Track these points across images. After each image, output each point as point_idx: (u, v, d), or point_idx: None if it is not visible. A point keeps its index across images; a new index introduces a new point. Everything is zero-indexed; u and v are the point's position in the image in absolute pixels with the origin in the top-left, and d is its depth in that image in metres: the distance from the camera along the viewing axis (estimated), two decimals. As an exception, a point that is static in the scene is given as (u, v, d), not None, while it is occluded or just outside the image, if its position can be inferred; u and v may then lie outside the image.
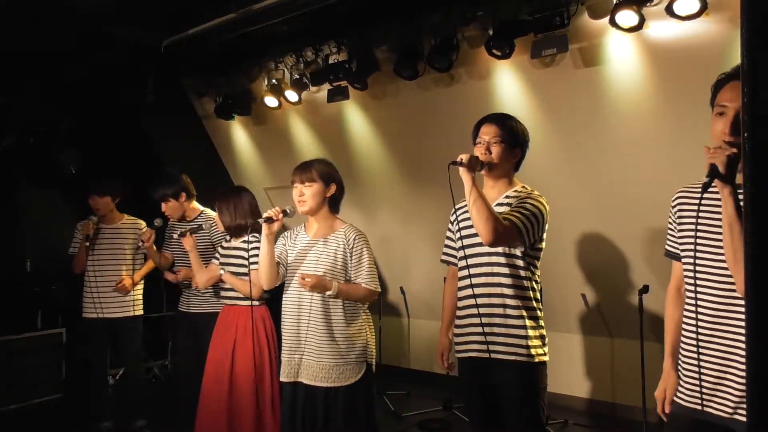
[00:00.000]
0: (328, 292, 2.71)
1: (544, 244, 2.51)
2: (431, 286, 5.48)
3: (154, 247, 4.02)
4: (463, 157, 2.33)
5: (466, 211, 2.42)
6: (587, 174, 4.30)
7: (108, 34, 4.65)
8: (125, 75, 5.38)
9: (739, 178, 1.70)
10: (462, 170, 2.33)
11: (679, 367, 1.88)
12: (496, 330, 2.42)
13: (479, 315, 2.42)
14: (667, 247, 2.04)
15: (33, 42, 4.66)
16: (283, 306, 2.89)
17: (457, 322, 2.59)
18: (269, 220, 2.72)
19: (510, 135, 2.50)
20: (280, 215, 2.74)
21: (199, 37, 4.71)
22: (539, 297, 2.51)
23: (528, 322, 2.41)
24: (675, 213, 1.96)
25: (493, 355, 2.41)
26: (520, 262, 2.43)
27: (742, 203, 1.54)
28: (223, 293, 3.48)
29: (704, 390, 1.75)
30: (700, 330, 1.75)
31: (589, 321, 4.82)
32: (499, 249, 2.43)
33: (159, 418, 4.35)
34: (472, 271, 2.48)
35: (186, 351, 3.97)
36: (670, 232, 2.02)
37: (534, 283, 2.48)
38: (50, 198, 5.79)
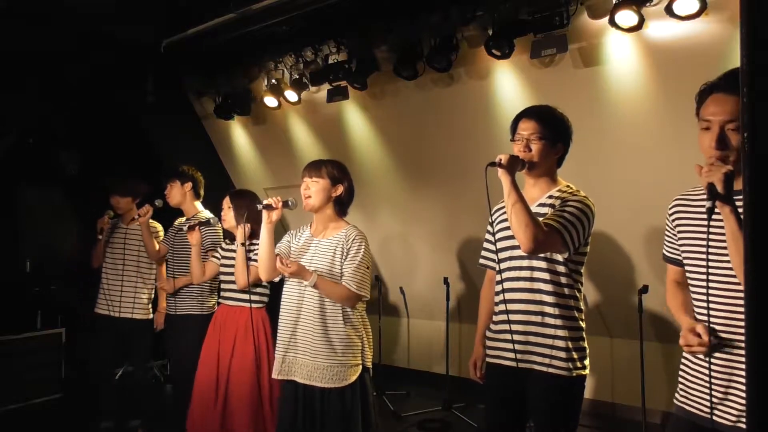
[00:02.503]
0: (305, 282, 2.69)
1: (588, 248, 2.37)
2: (431, 287, 5.48)
3: (149, 224, 4.04)
4: (502, 158, 2.16)
5: (504, 212, 2.29)
6: (586, 174, 4.28)
7: (108, 34, 4.65)
8: (125, 75, 5.38)
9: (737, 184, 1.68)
10: (501, 172, 2.16)
11: (684, 373, 1.86)
12: (532, 339, 2.27)
13: (513, 322, 2.30)
14: (665, 252, 2.01)
15: (33, 42, 4.66)
16: (281, 303, 2.89)
17: (492, 326, 2.45)
18: (269, 207, 2.74)
19: (551, 130, 2.33)
20: (280, 204, 2.76)
21: (198, 37, 4.70)
22: (582, 306, 2.36)
23: (568, 333, 2.26)
24: (672, 221, 1.93)
25: (528, 366, 2.28)
26: (562, 269, 2.28)
27: (741, 208, 1.53)
28: (223, 293, 3.48)
29: (713, 399, 1.72)
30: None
31: (589, 321, 4.76)
32: (540, 254, 2.27)
33: (154, 418, 4.35)
34: (511, 275, 2.34)
35: (175, 352, 4.00)
36: (668, 237, 1.98)
37: (576, 291, 2.32)
38: (50, 198, 5.79)
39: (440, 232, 5.35)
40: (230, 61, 5.46)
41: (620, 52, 3.74)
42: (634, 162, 4.03)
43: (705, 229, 1.72)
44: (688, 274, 1.86)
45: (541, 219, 2.20)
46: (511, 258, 2.35)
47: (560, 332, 2.26)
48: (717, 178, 1.56)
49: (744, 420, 1.62)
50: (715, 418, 1.72)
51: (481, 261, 2.63)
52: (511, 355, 2.31)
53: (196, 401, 3.34)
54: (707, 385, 1.75)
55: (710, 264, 1.71)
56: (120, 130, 5.88)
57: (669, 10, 3.29)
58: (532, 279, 2.31)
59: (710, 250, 1.71)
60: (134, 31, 4.75)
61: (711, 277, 1.72)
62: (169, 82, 5.80)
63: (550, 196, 2.35)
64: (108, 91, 5.54)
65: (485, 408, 2.53)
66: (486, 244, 2.61)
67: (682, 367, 1.88)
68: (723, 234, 1.66)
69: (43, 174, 5.71)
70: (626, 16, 3.42)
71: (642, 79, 3.76)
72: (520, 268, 2.33)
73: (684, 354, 1.87)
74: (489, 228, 2.57)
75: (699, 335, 1.68)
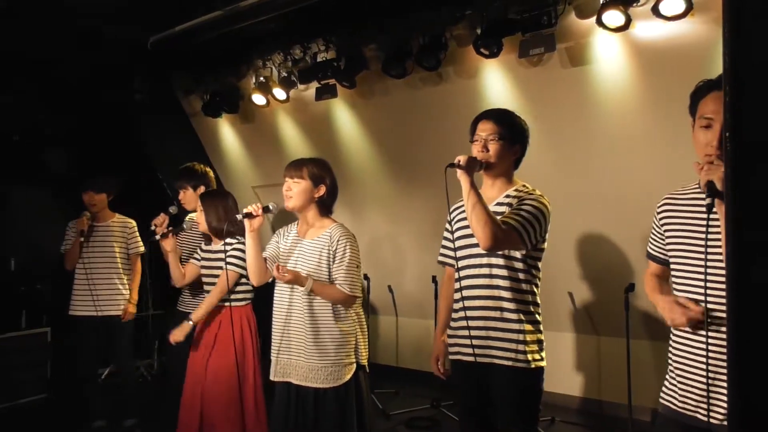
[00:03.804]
0: (301, 289, 2.70)
1: (546, 245, 2.44)
2: (420, 285, 5.49)
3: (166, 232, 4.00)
4: (461, 159, 2.25)
5: (462, 212, 2.36)
6: (574, 173, 4.32)
7: (96, 32, 4.61)
8: (113, 73, 5.34)
9: None
10: (460, 173, 2.24)
11: (671, 372, 1.86)
12: (492, 334, 2.35)
13: (472, 318, 2.37)
14: (650, 250, 2.01)
15: (20, 40, 4.61)
16: (273, 305, 2.88)
17: (452, 324, 2.53)
18: (249, 216, 2.71)
19: (508, 131, 2.42)
20: (260, 211, 2.72)
21: (186, 35, 4.68)
22: (539, 301, 2.44)
23: (526, 327, 2.35)
24: (660, 220, 1.93)
25: (488, 360, 2.36)
26: (520, 265, 2.37)
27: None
28: (205, 295, 3.44)
29: (698, 397, 1.73)
30: (699, 339, 1.72)
31: (576, 319, 4.84)
32: (498, 251, 2.35)
33: (147, 417, 4.33)
34: (470, 272, 2.42)
35: (179, 350, 3.95)
36: (654, 236, 1.98)
37: (534, 286, 2.41)
38: (35, 196, 5.74)
39: (428, 232, 5.35)
40: (218, 58, 5.43)
41: (607, 51, 3.77)
42: (621, 160, 4.05)
43: (696, 228, 1.73)
44: (678, 273, 1.84)
45: (498, 217, 2.28)
46: (470, 256, 2.43)
47: (519, 326, 2.35)
48: (717, 176, 1.57)
49: None
50: (700, 416, 1.72)
51: (440, 259, 2.70)
52: (473, 350, 2.38)
53: (185, 402, 3.32)
54: (693, 384, 1.75)
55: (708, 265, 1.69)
56: (108, 129, 5.84)
57: (655, 11, 3.31)
58: (491, 276, 2.38)
59: (697, 254, 1.71)
60: (122, 29, 4.71)
61: (692, 266, 1.73)
62: (157, 80, 5.76)
63: (507, 195, 2.44)
64: (96, 89, 5.50)
65: (458, 405, 2.61)
66: (444, 242, 2.68)
67: (669, 365, 1.88)
68: (717, 233, 1.66)
69: (29, 172, 5.66)
70: (613, 16, 3.45)
71: (629, 79, 3.79)
72: (480, 266, 2.41)
73: (669, 353, 1.87)
74: (447, 227, 2.63)
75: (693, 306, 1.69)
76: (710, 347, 1.68)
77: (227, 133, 6.26)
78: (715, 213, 1.63)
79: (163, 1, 4.40)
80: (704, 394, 1.71)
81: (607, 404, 4.69)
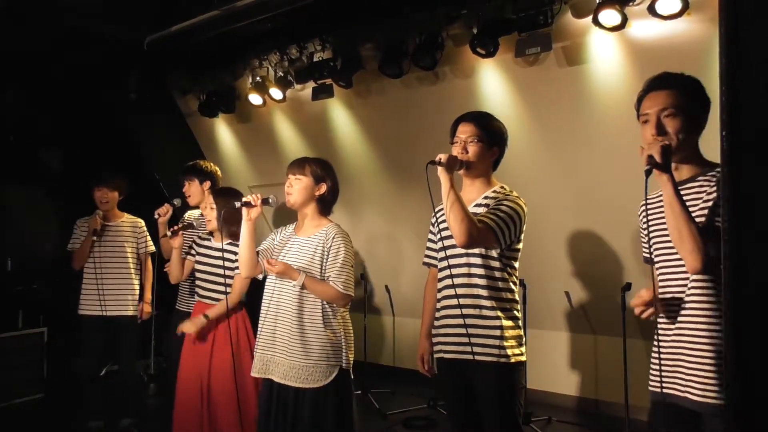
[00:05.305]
0: (293, 282, 2.70)
1: (521, 245, 2.53)
2: (417, 284, 5.46)
3: (166, 225, 3.98)
4: (442, 157, 2.33)
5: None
6: (571, 172, 4.32)
7: (92, 31, 4.60)
8: (108, 72, 5.33)
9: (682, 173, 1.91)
10: (440, 170, 2.33)
11: (652, 358, 1.98)
12: (471, 331, 2.42)
13: (453, 316, 2.45)
14: (643, 254, 2.14)
15: (16, 39, 4.60)
16: (262, 301, 2.87)
17: (435, 323, 2.62)
18: (248, 205, 2.72)
19: (487, 133, 2.50)
20: (259, 201, 2.73)
21: (182, 34, 4.67)
22: (517, 298, 2.53)
23: (504, 323, 2.42)
24: (642, 221, 2.08)
25: (468, 356, 2.42)
26: (496, 263, 2.45)
27: (720, 197, 1.61)
28: (199, 291, 3.41)
29: (664, 374, 1.87)
30: (675, 324, 1.88)
31: (573, 318, 4.85)
32: (475, 250, 2.44)
33: (144, 417, 4.33)
34: (451, 271, 2.50)
35: (180, 350, 3.94)
36: (642, 239, 2.12)
37: (511, 284, 2.49)
38: (31, 196, 5.72)
39: (425, 231, 5.34)
40: (215, 58, 5.42)
41: (604, 50, 3.77)
42: (617, 160, 4.05)
43: (654, 216, 1.94)
44: (658, 268, 1.98)
45: (476, 217, 2.36)
46: (451, 256, 2.50)
47: (497, 322, 2.42)
48: (655, 150, 1.78)
49: (691, 391, 1.80)
50: (667, 390, 1.86)
51: (425, 260, 2.78)
52: (455, 348, 2.46)
53: (181, 402, 3.31)
54: (679, 366, 1.87)
55: (656, 238, 1.94)
56: (104, 128, 5.83)
57: (651, 10, 3.32)
58: (469, 275, 2.47)
59: (657, 224, 1.94)
60: (119, 29, 4.70)
61: (657, 252, 1.94)
62: (153, 79, 5.75)
63: (486, 197, 2.53)
64: (92, 89, 5.48)
65: (444, 400, 2.67)
66: (429, 243, 2.77)
67: (653, 351, 1.99)
68: (660, 204, 1.87)
69: (25, 172, 5.65)
70: (609, 16, 3.46)
71: (625, 78, 3.79)
72: (459, 265, 2.50)
73: (654, 340, 1.98)
74: (431, 228, 2.71)
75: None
76: (674, 329, 1.87)
77: (224, 133, 6.25)
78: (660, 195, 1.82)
79: (160, 1, 4.39)
80: (691, 375, 1.82)
81: (603, 403, 4.70)
